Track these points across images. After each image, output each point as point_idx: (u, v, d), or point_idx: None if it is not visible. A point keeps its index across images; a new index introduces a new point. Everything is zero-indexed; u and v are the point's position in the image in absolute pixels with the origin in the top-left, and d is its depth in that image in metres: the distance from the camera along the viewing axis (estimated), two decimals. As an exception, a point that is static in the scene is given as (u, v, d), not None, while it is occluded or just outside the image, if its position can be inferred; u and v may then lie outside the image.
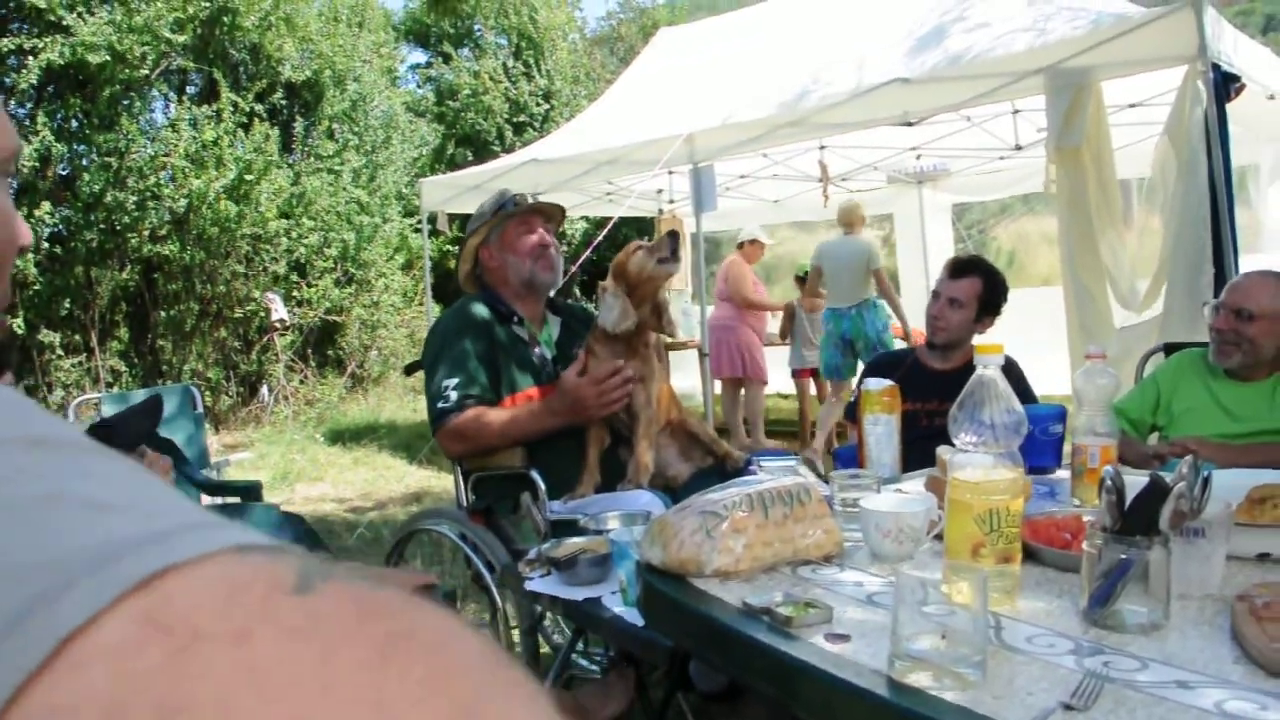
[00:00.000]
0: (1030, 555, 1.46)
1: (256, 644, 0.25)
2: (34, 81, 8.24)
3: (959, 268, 3.10)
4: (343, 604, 0.27)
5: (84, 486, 0.30)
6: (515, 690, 0.28)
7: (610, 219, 6.41)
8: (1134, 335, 3.89)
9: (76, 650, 0.24)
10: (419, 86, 15.27)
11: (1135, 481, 1.28)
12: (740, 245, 6.97)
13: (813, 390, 7.10)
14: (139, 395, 4.90)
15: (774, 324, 7.40)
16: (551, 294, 2.88)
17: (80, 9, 8.40)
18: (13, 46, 8.22)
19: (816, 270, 6.31)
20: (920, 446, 2.36)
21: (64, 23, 8.28)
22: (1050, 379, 4.34)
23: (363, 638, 0.26)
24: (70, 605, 0.25)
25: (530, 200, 2.82)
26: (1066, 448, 2.15)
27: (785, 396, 8.33)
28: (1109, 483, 1.27)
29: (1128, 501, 1.26)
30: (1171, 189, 3.76)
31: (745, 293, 6.83)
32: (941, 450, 1.83)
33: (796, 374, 7.01)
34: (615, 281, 2.57)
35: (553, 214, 2.87)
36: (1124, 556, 1.21)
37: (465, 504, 2.70)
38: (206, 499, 3.65)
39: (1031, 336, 4.52)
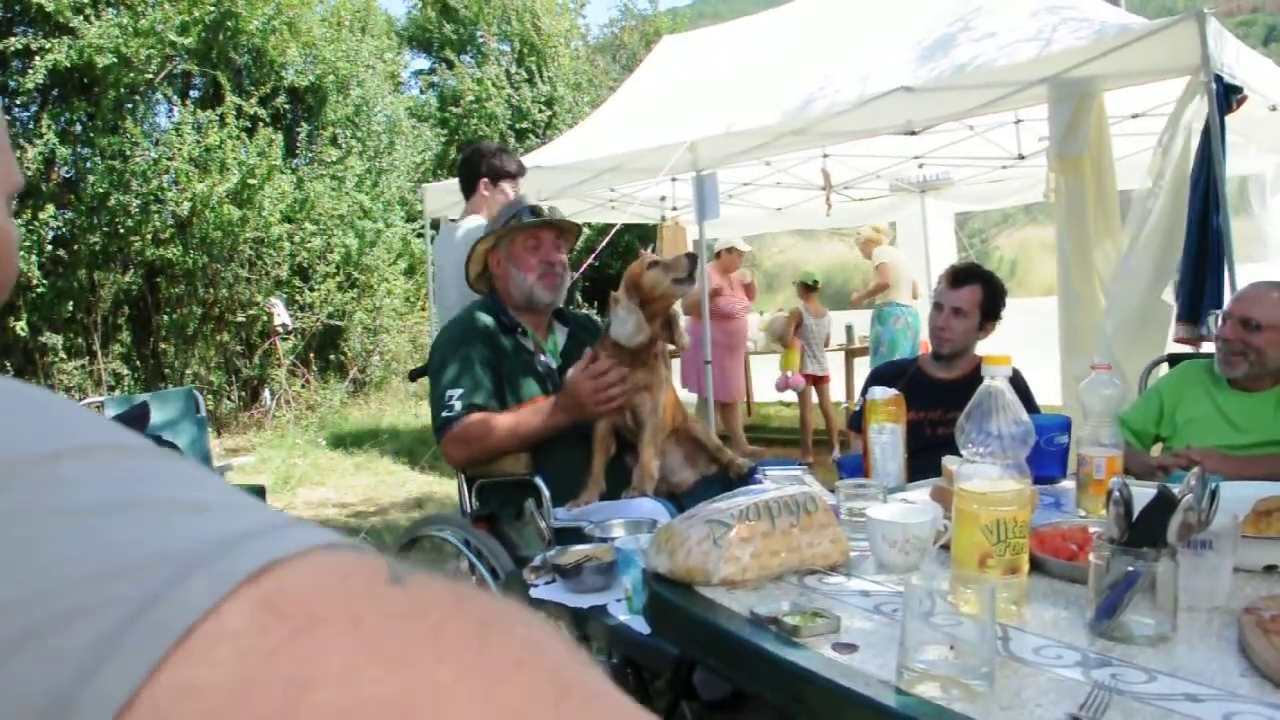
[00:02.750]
0: (1037, 566, 1.46)
1: (370, 624, 0.27)
2: (39, 82, 8.26)
3: (958, 277, 3.10)
4: (434, 592, 0.30)
5: (173, 488, 0.32)
6: (590, 666, 0.31)
7: (613, 226, 6.41)
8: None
9: (202, 635, 0.26)
10: (422, 92, 15.31)
11: (1143, 493, 1.28)
12: (717, 254, 6.91)
13: (814, 397, 7.09)
14: (142, 399, 4.91)
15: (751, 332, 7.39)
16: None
17: (88, 11, 8.43)
18: (19, 47, 8.24)
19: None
20: (924, 456, 2.37)
21: (70, 25, 8.31)
22: (1053, 389, 4.34)
23: (462, 618, 0.29)
24: (193, 594, 0.27)
25: (546, 211, 2.78)
26: (1072, 458, 2.15)
27: (787, 405, 8.33)
28: (1117, 494, 1.27)
29: (1135, 513, 1.26)
30: (1160, 198, 3.78)
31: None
32: (948, 460, 1.83)
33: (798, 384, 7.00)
34: (628, 294, 2.56)
35: (566, 230, 2.81)
36: (1131, 568, 1.21)
37: (469, 510, 2.70)
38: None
39: (1033, 346, 4.52)
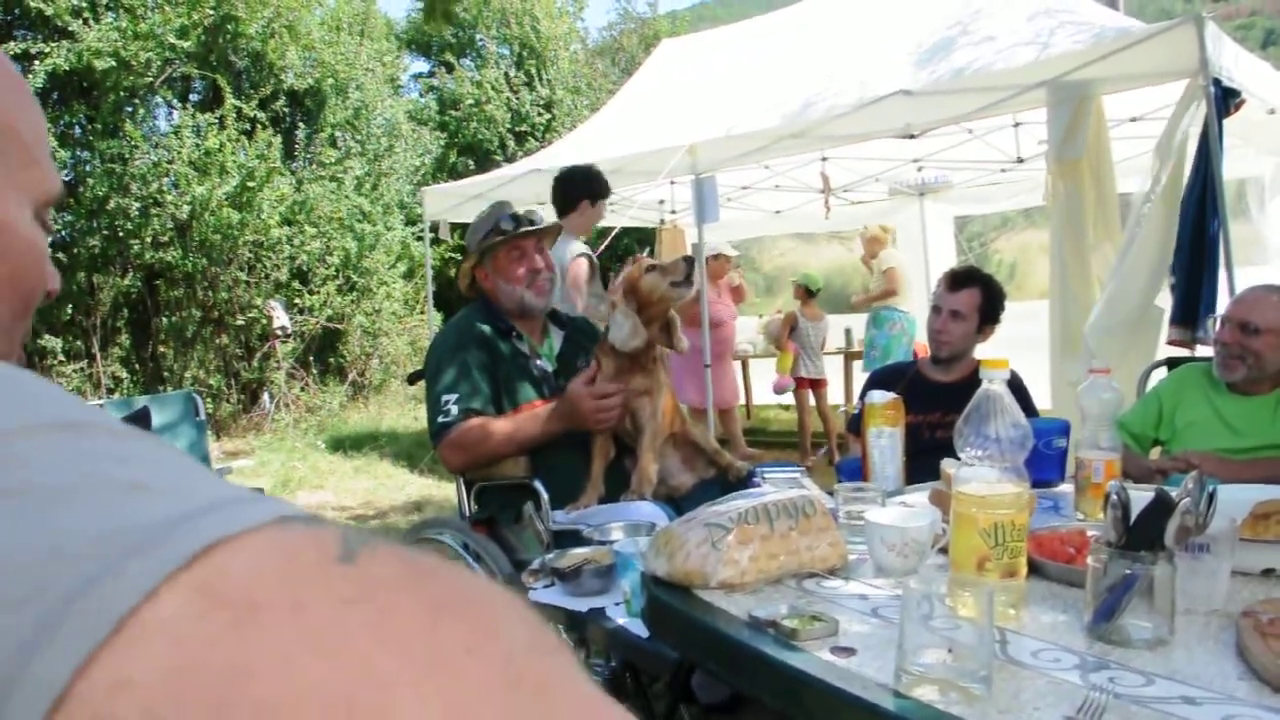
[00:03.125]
0: (1035, 569, 1.46)
1: (312, 611, 0.26)
2: (38, 86, 8.26)
3: (957, 280, 3.10)
4: (389, 569, 0.29)
5: (121, 468, 0.31)
6: (554, 650, 0.30)
7: (612, 229, 6.42)
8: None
9: (135, 626, 0.25)
10: (421, 95, 15.31)
11: (1140, 496, 1.28)
12: (706, 260, 6.89)
13: (811, 401, 7.08)
14: (141, 402, 4.92)
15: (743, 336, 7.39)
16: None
17: (87, 15, 8.43)
18: (18, 51, 8.25)
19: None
20: (922, 459, 2.37)
21: (70, 29, 8.31)
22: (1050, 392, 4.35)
23: (411, 599, 0.28)
24: (125, 583, 0.26)
25: (525, 214, 2.78)
26: (1070, 462, 2.15)
27: (786, 408, 8.33)
28: (1114, 498, 1.27)
29: (1133, 516, 1.26)
30: (1156, 201, 3.79)
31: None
32: (946, 464, 1.83)
33: (796, 386, 6.99)
34: (625, 299, 2.57)
35: (547, 232, 2.82)
36: (1129, 572, 1.21)
37: (468, 514, 2.70)
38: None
39: (1032, 350, 4.53)
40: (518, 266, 2.70)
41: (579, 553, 2.06)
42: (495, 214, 2.77)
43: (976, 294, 3.05)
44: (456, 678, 0.26)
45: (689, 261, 2.56)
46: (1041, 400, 4.32)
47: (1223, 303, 2.98)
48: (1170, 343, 3.77)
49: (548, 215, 3.07)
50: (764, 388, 8.55)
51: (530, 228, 2.73)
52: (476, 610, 0.29)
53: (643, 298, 2.55)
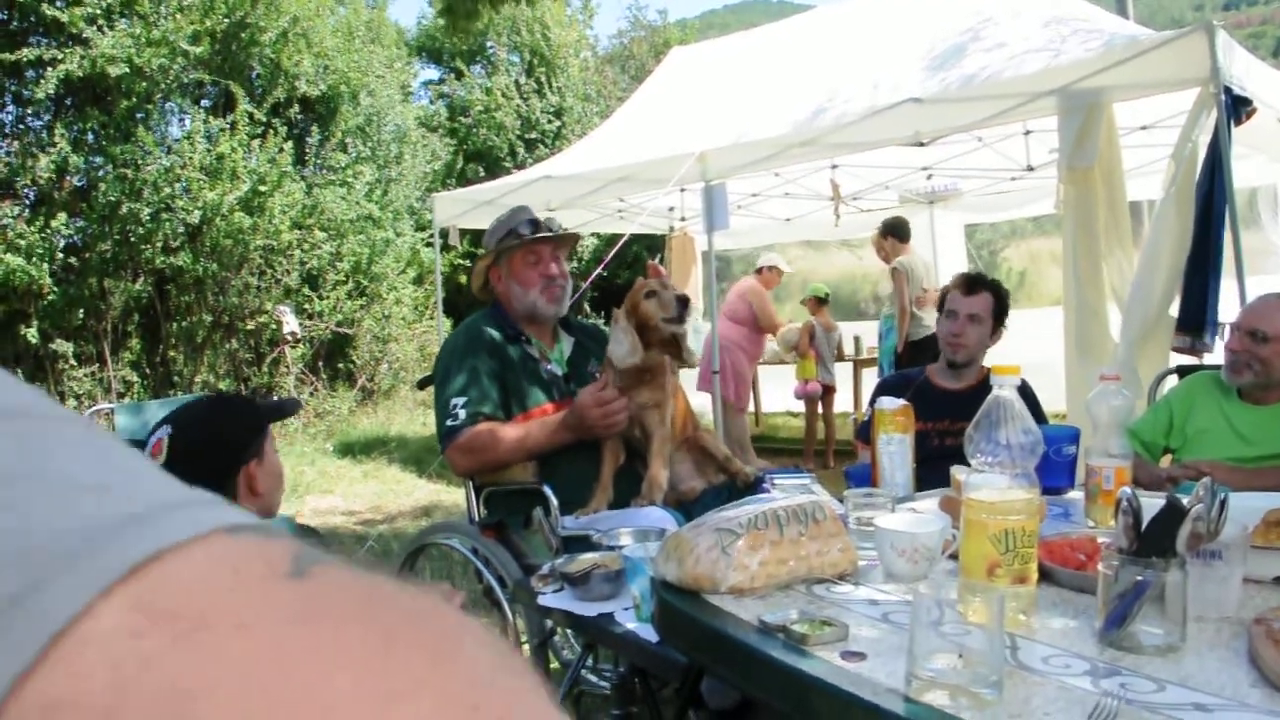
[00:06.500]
0: (1045, 576, 1.46)
1: (257, 631, 0.25)
2: (51, 91, 8.31)
3: (972, 284, 3.11)
4: (340, 589, 0.27)
5: (61, 464, 0.28)
6: (517, 677, 0.28)
7: (622, 236, 6.43)
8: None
9: (70, 643, 0.23)
10: (431, 102, 15.37)
11: (1151, 503, 1.28)
12: (759, 270, 6.96)
13: (820, 408, 7.13)
14: (151, 406, 4.92)
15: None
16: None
17: (100, 22, 8.49)
18: (32, 58, 8.30)
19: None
20: (931, 466, 2.36)
21: (83, 36, 8.37)
22: (1060, 400, 4.34)
23: (364, 624, 0.26)
24: (60, 597, 0.24)
25: (544, 221, 2.79)
26: (1080, 469, 2.15)
27: (795, 415, 8.33)
28: (1126, 504, 1.27)
29: (1144, 523, 1.26)
30: (1170, 210, 3.78)
31: (774, 319, 6.84)
32: (956, 470, 1.83)
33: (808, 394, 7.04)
34: (627, 316, 2.58)
35: (564, 240, 2.83)
36: (1140, 578, 1.21)
37: (476, 518, 2.71)
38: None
39: (1041, 356, 4.52)
40: (533, 271, 2.71)
41: (588, 558, 2.06)
42: (515, 217, 2.78)
43: (989, 298, 3.07)
44: (412, 706, 0.25)
45: (682, 301, 2.56)
46: (1058, 407, 4.32)
47: (1234, 311, 2.97)
48: (1174, 349, 3.77)
49: (565, 224, 3.08)
50: (774, 396, 8.57)
51: (549, 234, 2.74)
52: (434, 636, 0.27)
53: (641, 319, 2.57)
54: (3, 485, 0.26)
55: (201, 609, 0.25)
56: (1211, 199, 3.63)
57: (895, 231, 6.44)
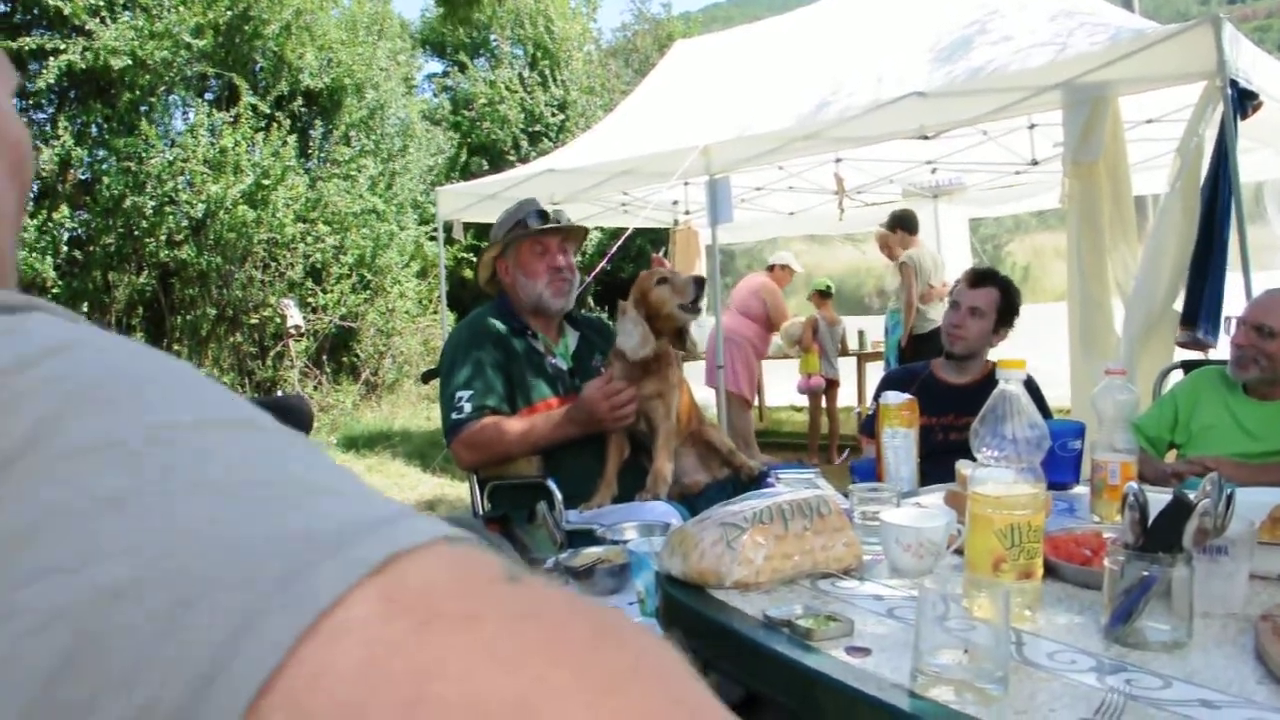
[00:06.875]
0: (1050, 571, 1.45)
1: (489, 623, 0.28)
2: (52, 81, 8.31)
3: (978, 278, 3.11)
4: (550, 593, 0.30)
5: (296, 468, 0.32)
6: (698, 680, 0.31)
7: (625, 229, 6.42)
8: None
9: (331, 624, 0.26)
10: (435, 95, 15.36)
11: (1157, 499, 1.27)
12: (770, 268, 6.96)
13: (823, 402, 7.14)
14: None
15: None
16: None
17: (104, 14, 8.48)
18: (33, 47, 8.29)
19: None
20: (935, 461, 2.36)
21: (86, 27, 8.36)
22: (1065, 394, 4.33)
23: (578, 621, 0.29)
24: (323, 581, 0.27)
25: (552, 214, 2.79)
26: (1085, 464, 2.14)
27: (798, 410, 8.33)
28: (1132, 499, 1.27)
29: (1150, 518, 1.25)
30: (1175, 204, 3.78)
31: (787, 316, 6.85)
32: (962, 464, 1.83)
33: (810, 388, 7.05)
34: (636, 306, 2.56)
35: (572, 233, 2.81)
36: (1146, 574, 1.21)
37: (480, 512, 2.71)
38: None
39: (1045, 351, 4.51)
40: (539, 262, 2.70)
41: (592, 552, 2.06)
42: (523, 208, 2.76)
43: (995, 294, 3.05)
44: (624, 697, 0.27)
45: (699, 283, 2.54)
46: (1063, 402, 4.32)
47: (1239, 306, 2.97)
48: (1178, 343, 3.76)
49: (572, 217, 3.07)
50: (777, 390, 8.56)
51: (556, 225, 2.73)
52: (631, 635, 0.30)
53: (651, 308, 2.55)
54: (263, 484, 0.30)
55: (438, 603, 0.28)
56: (1217, 193, 3.62)
57: (904, 223, 6.42)
